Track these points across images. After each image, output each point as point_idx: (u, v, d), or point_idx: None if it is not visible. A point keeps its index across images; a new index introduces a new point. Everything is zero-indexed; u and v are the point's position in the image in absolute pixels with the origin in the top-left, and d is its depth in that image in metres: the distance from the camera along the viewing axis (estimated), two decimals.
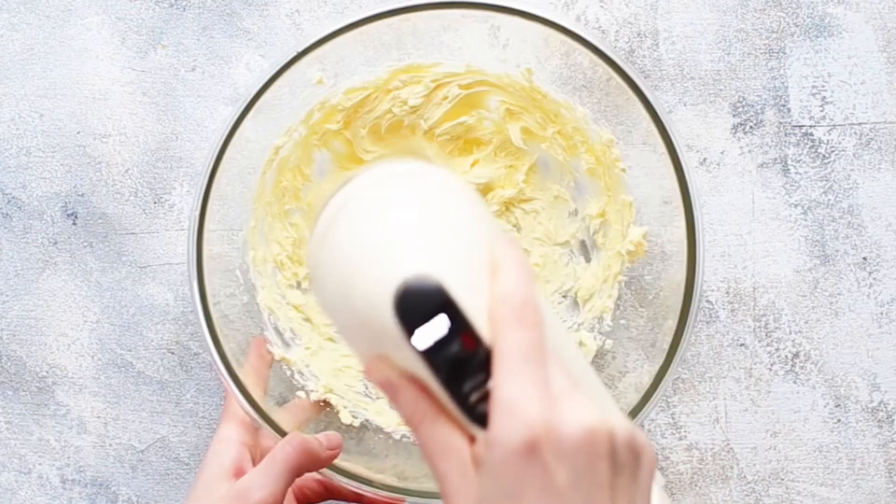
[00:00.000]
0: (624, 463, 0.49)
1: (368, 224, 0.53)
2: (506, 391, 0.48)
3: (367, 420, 0.80)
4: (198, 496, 0.69)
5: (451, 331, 0.49)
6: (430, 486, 0.75)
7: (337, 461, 0.73)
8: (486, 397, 0.49)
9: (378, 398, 0.82)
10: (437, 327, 0.49)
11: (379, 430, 0.80)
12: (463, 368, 0.49)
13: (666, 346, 0.73)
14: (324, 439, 0.72)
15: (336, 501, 0.77)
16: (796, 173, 0.84)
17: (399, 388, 0.52)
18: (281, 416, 0.74)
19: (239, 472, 0.70)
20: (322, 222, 0.54)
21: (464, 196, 0.55)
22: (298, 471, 0.70)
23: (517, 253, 0.52)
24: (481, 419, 0.50)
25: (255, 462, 0.72)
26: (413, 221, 0.53)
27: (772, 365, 0.84)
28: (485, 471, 0.49)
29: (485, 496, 0.49)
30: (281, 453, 0.69)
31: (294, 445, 0.70)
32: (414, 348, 0.49)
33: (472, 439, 0.51)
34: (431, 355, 0.49)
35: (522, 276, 0.51)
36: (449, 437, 0.51)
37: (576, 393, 0.49)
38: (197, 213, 0.73)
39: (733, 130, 0.84)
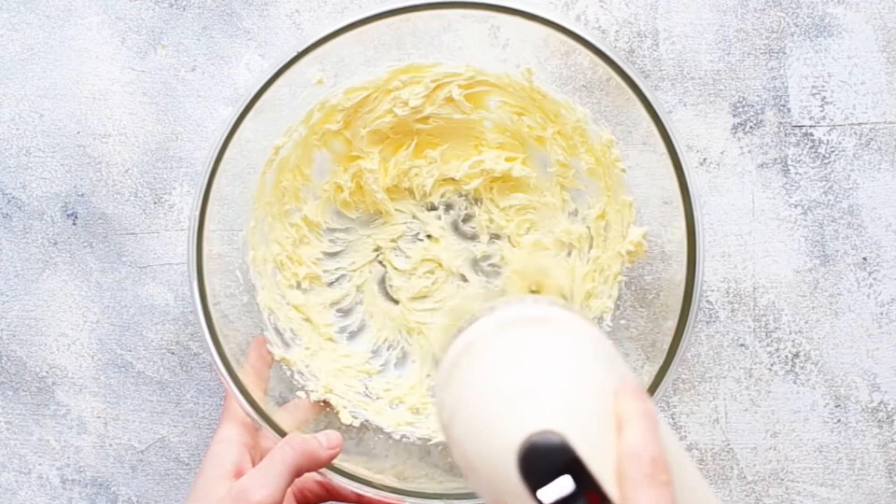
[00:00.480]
0: None
1: (494, 375, 0.53)
2: None
3: (366, 420, 0.80)
4: (197, 497, 0.69)
5: (577, 490, 0.49)
6: (429, 486, 0.75)
7: (336, 461, 0.73)
8: None
9: (378, 399, 0.82)
10: (562, 486, 0.49)
11: (379, 430, 0.80)
12: None
13: (666, 346, 0.73)
14: (323, 439, 0.72)
15: (336, 502, 0.77)
16: (796, 173, 0.84)
17: None
18: (281, 417, 0.74)
19: (239, 473, 0.70)
20: (447, 361, 0.55)
21: (591, 342, 0.55)
22: (298, 471, 0.70)
23: (643, 403, 0.51)
24: None
25: (255, 463, 0.72)
26: (539, 373, 0.53)
27: (772, 365, 0.84)
28: None
29: None
30: (281, 454, 0.69)
31: (294, 446, 0.70)
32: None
33: None
34: None
35: (649, 428, 0.50)
36: None
37: None
38: (197, 213, 0.73)
39: (733, 130, 0.84)
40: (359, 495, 0.74)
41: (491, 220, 0.84)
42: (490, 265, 0.85)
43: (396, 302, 0.85)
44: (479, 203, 0.85)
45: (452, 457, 0.56)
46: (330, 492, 0.77)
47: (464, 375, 0.54)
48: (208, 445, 0.73)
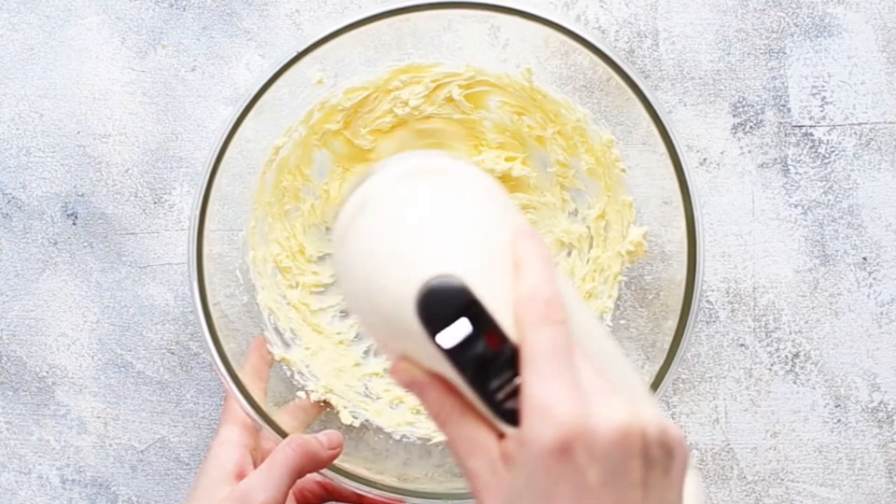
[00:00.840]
0: (656, 459, 0.49)
1: (390, 224, 0.53)
2: (536, 391, 0.48)
3: (367, 420, 0.80)
4: (199, 498, 0.69)
5: (476, 330, 0.49)
6: (430, 486, 0.75)
7: (337, 462, 0.73)
8: (513, 394, 0.49)
9: (378, 399, 0.82)
10: (460, 328, 0.49)
11: (379, 430, 0.80)
12: (489, 367, 0.49)
13: (666, 346, 0.73)
14: (324, 439, 0.72)
15: (336, 502, 0.77)
16: (796, 173, 0.84)
17: (425, 387, 0.52)
18: (281, 417, 0.74)
19: (240, 475, 0.70)
20: (342, 220, 0.54)
21: (487, 191, 0.55)
22: (300, 472, 0.70)
23: (539, 247, 0.52)
24: (509, 416, 0.49)
25: (256, 464, 0.72)
26: (435, 221, 0.53)
27: (772, 365, 0.84)
28: (517, 469, 0.49)
29: (516, 494, 0.49)
30: (282, 455, 0.69)
31: (294, 447, 0.70)
32: (439, 348, 0.49)
33: (500, 436, 0.51)
34: (456, 355, 0.49)
35: (545, 271, 0.51)
36: (477, 434, 0.51)
37: (606, 390, 0.49)
38: (197, 213, 0.73)
39: (733, 130, 0.84)
40: (359, 495, 0.74)
41: None
42: None
43: None
44: None
45: (353, 313, 0.56)
46: (330, 492, 0.77)
47: (360, 228, 0.53)
48: (208, 446, 0.73)
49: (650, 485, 0.49)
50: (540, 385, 0.48)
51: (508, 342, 0.49)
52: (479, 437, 0.51)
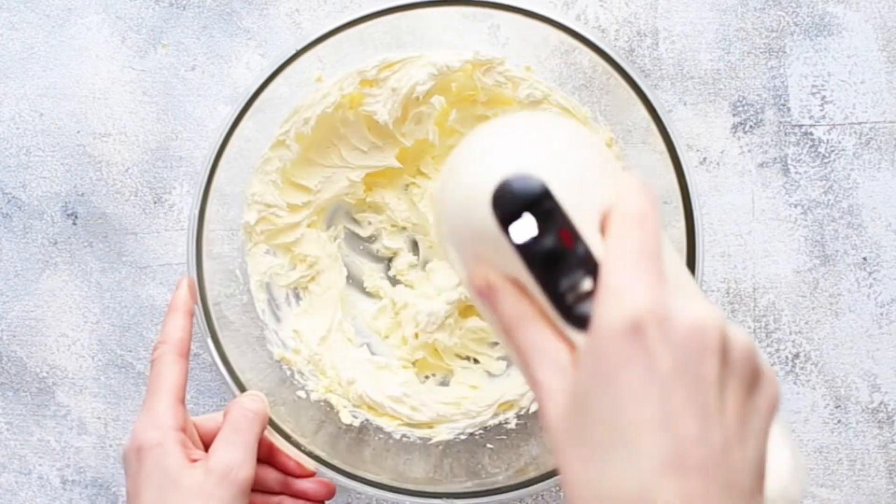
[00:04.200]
0: (737, 367, 0.46)
1: (480, 134, 0.55)
2: (615, 277, 0.46)
3: (367, 420, 0.80)
4: (161, 486, 0.64)
5: (549, 225, 0.48)
6: (430, 486, 0.75)
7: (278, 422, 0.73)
8: (585, 297, 0.48)
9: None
10: (531, 220, 0.48)
11: (379, 430, 0.80)
12: (560, 265, 0.48)
13: None
14: (257, 395, 0.71)
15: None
16: (796, 173, 0.84)
17: (499, 290, 0.51)
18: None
19: (188, 455, 0.66)
20: (444, 169, 0.57)
21: (587, 137, 0.56)
22: (260, 435, 0.69)
23: (642, 183, 0.50)
24: (580, 321, 0.48)
25: (200, 434, 0.70)
26: (524, 133, 0.54)
27: (772, 365, 0.84)
28: (584, 358, 0.46)
29: (580, 383, 0.46)
30: (247, 423, 0.68)
31: (254, 410, 0.69)
32: (510, 241, 0.49)
33: (571, 347, 0.49)
34: (527, 249, 0.49)
35: (646, 199, 0.49)
36: (547, 340, 0.49)
37: (694, 291, 0.47)
38: (196, 213, 0.74)
39: (733, 130, 0.84)
40: (271, 452, 0.73)
41: None
42: None
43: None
44: None
45: (440, 228, 0.56)
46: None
47: (455, 153, 0.56)
48: (136, 430, 0.68)
49: (728, 388, 0.46)
50: (621, 271, 0.46)
51: (583, 242, 0.48)
52: (549, 346, 0.49)
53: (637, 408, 0.44)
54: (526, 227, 0.48)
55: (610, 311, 0.45)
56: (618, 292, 0.45)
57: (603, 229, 0.49)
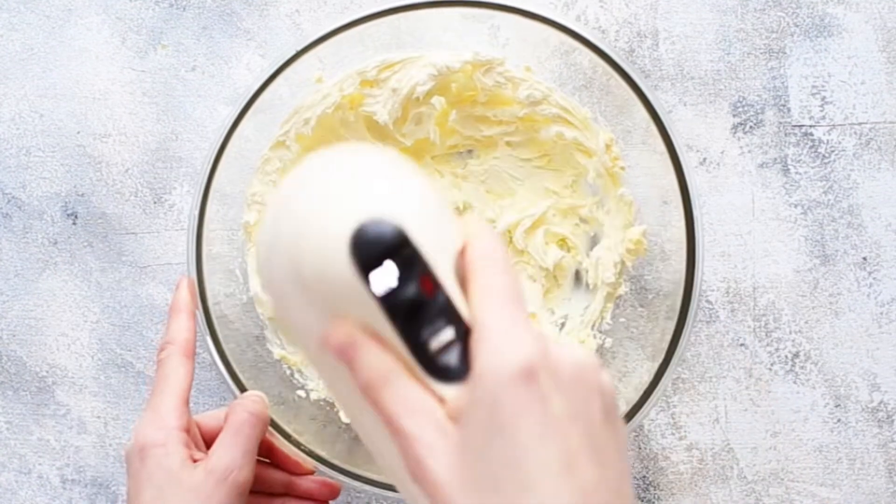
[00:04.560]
0: (610, 402, 0.47)
1: (324, 174, 0.50)
2: (493, 324, 0.46)
3: None
4: (160, 485, 0.64)
5: (409, 273, 0.47)
6: None
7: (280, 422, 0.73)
8: (447, 348, 0.47)
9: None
10: (393, 268, 0.47)
11: None
12: (421, 315, 0.47)
13: (666, 346, 0.73)
14: (257, 397, 0.71)
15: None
16: (796, 173, 0.84)
17: (361, 346, 0.48)
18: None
19: (191, 455, 0.66)
20: (266, 219, 0.52)
21: (419, 171, 0.53)
22: (260, 437, 0.69)
23: (487, 225, 0.50)
24: (443, 373, 0.47)
25: (201, 432, 0.70)
26: (372, 171, 0.50)
27: (772, 365, 0.84)
28: (472, 410, 0.45)
29: (471, 435, 0.45)
30: (248, 426, 0.67)
31: (254, 413, 0.68)
32: (370, 292, 0.47)
33: (441, 401, 0.47)
34: (389, 300, 0.47)
35: (497, 240, 0.49)
36: (418, 395, 0.47)
37: (555, 337, 0.48)
38: (196, 213, 0.74)
39: (733, 130, 0.84)
40: (270, 450, 0.73)
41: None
42: None
43: None
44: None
45: (279, 303, 0.52)
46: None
47: (294, 179, 0.51)
48: (138, 429, 0.68)
49: (609, 430, 0.47)
50: (497, 319, 0.46)
51: (442, 290, 0.47)
52: (421, 401, 0.47)
53: (538, 454, 0.44)
54: (387, 276, 0.47)
55: (495, 360, 0.45)
56: (499, 340, 0.45)
57: (460, 273, 0.49)
